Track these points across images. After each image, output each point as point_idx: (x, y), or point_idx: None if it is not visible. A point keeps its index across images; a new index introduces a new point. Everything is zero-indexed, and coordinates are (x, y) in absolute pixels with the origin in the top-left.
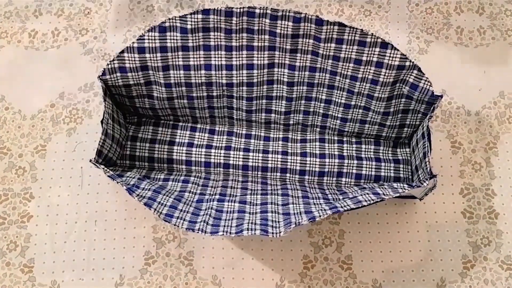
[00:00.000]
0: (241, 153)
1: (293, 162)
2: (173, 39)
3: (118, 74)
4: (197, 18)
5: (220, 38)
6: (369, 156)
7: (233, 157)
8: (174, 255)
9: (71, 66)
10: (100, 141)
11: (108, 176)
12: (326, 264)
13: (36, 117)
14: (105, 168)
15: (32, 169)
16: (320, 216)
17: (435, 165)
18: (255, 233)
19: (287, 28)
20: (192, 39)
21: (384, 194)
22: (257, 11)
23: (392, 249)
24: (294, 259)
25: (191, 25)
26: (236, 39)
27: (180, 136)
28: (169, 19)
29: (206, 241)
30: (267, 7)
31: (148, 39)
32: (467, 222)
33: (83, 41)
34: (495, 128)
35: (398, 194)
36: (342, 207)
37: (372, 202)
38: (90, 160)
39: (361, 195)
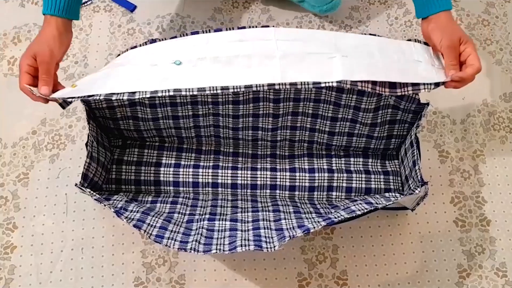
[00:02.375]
0: (229, 171)
1: (283, 178)
2: None
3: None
4: None
5: None
6: (358, 169)
7: (221, 176)
8: (165, 279)
9: None
10: (85, 165)
11: (95, 199)
12: (321, 281)
13: (18, 145)
14: (91, 192)
15: (15, 198)
16: (314, 227)
17: (424, 175)
18: (249, 249)
19: None
20: None
21: (377, 203)
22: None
23: (387, 262)
24: (289, 277)
25: None
26: None
27: (166, 157)
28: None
29: (197, 264)
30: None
31: None
32: (460, 230)
33: (64, 66)
34: (481, 136)
35: (391, 202)
36: (336, 217)
37: (365, 211)
38: (76, 184)
39: (354, 205)
